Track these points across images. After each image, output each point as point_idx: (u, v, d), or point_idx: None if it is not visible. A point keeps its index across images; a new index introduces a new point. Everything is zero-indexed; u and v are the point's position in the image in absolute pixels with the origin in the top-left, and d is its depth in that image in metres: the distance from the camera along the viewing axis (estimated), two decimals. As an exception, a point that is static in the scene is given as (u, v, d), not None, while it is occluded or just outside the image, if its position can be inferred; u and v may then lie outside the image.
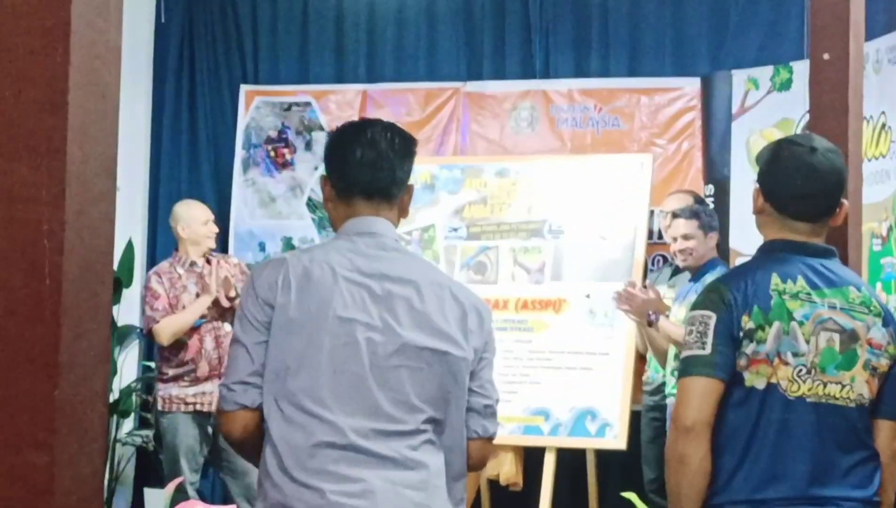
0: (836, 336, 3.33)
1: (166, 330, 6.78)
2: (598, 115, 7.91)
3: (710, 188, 7.32)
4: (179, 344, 6.82)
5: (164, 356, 6.92)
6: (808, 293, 3.33)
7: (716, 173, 7.35)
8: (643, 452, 6.94)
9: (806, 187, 3.36)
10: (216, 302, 6.89)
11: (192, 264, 7.02)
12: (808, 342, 3.31)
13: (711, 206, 7.19)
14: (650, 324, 6.34)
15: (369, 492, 2.90)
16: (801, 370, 3.30)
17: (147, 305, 6.84)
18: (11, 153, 1.41)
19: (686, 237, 6.48)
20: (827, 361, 3.31)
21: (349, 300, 3.00)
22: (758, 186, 3.44)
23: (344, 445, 2.93)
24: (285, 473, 2.92)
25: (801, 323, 3.30)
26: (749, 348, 3.29)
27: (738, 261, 7.06)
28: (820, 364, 3.31)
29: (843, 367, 3.32)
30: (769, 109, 7.21)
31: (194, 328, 6.87)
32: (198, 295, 6.91)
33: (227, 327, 6.88)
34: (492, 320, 3.21)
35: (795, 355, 3.30)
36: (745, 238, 7.03)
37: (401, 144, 3.15)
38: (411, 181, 3.24)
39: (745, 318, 3.29)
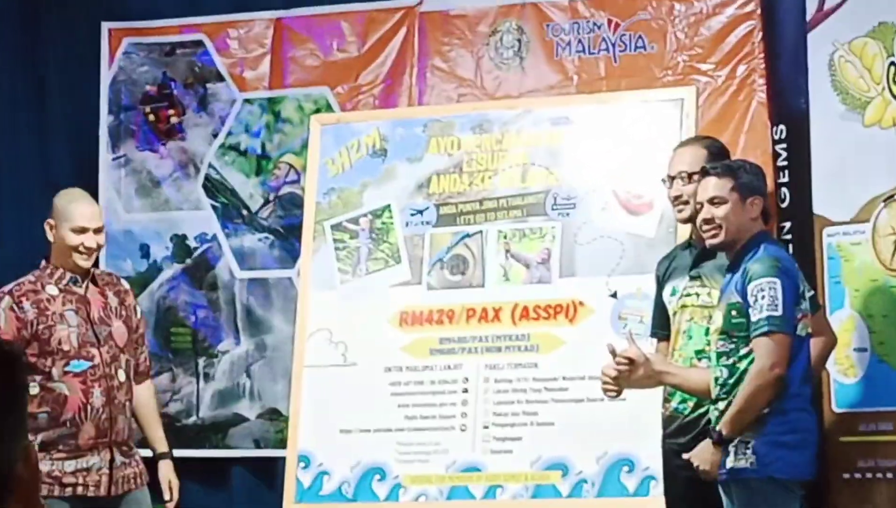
0: None
1: None
2: (613, 34, 6.92)
3: (782, 130, 6.44)
4: (55, 397, 5.90)
5: (29, 413, 5.53)
6: None
7: (788, 108, 6.52)
8: None
9: None
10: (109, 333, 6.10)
11: (73, 281, 6.10)
12: None
13: (784, 154, 6.35)
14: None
15: None
16: None
17: None
18: None
19: (715, 202, 5.42)
20: None
21: None
22: None
23: None
24: None
25: None
26: None
27: (826, 232, 6.12)
28: None
29: None
30: (859, 8, 6.25)
31: (76, 374, 6.00)
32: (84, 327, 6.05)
33: (121, 375, 6.09)
34: None
35: None
36: (834, 199, 6.14)
37: None
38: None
39: None
